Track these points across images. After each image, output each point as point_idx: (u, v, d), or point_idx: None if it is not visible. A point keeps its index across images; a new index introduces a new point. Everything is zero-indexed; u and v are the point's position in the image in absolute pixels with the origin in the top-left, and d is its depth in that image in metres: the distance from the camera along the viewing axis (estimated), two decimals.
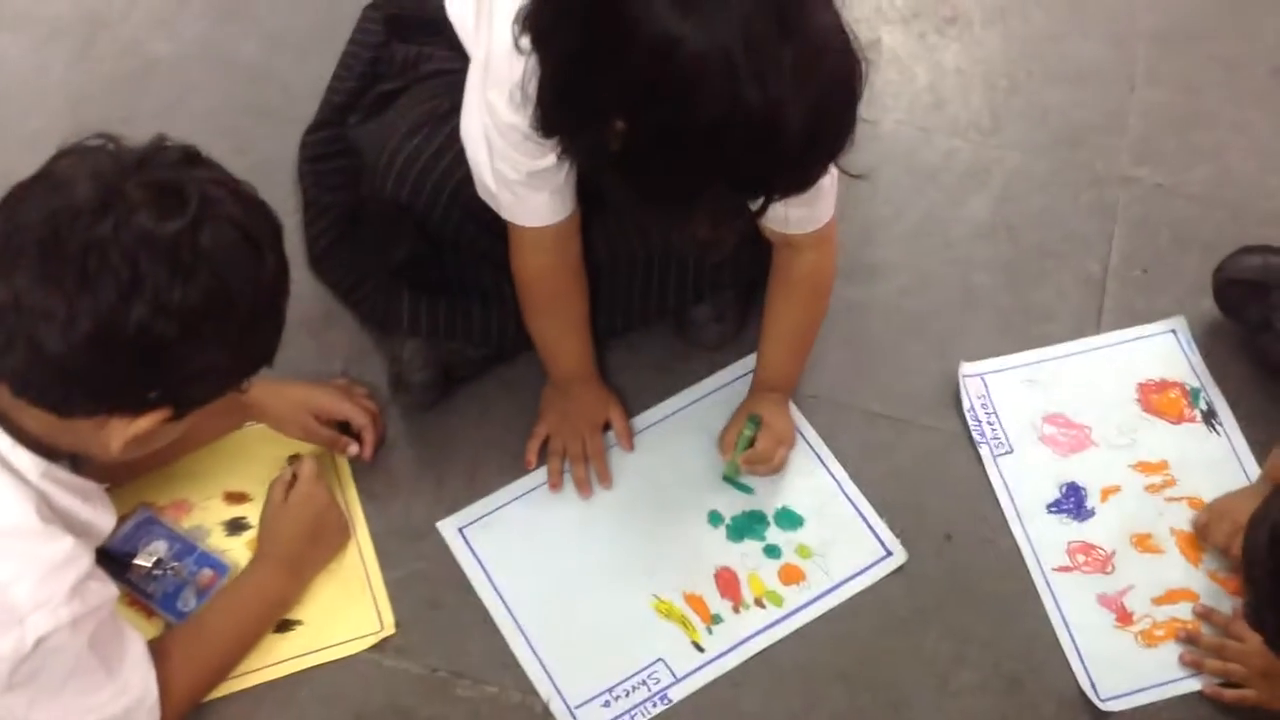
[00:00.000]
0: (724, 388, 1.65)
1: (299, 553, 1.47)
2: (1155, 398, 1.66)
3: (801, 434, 1.61)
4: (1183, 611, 1.53)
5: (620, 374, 1.65)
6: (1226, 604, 1.52)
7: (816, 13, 1.08)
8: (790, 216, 1.41)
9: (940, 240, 1.78)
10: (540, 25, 1.16)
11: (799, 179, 1.17)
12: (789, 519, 1.57)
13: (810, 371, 1.65)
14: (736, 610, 1.51)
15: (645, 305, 1.63)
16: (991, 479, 1.60)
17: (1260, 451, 1.61)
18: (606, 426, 1.60)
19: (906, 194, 1.82)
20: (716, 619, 1.51)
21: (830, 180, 1.37)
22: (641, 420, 1.63)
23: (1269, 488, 1.51)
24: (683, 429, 1.62)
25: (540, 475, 1.58)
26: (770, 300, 1.55)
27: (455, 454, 1.59)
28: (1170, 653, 1.50)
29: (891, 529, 1.57)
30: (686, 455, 1.60)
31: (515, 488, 1.57)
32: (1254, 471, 1.60)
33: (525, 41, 1.18)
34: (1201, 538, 1.56)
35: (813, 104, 1.07)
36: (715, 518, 1.57)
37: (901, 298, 1.73)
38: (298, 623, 1.47)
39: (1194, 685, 1.48)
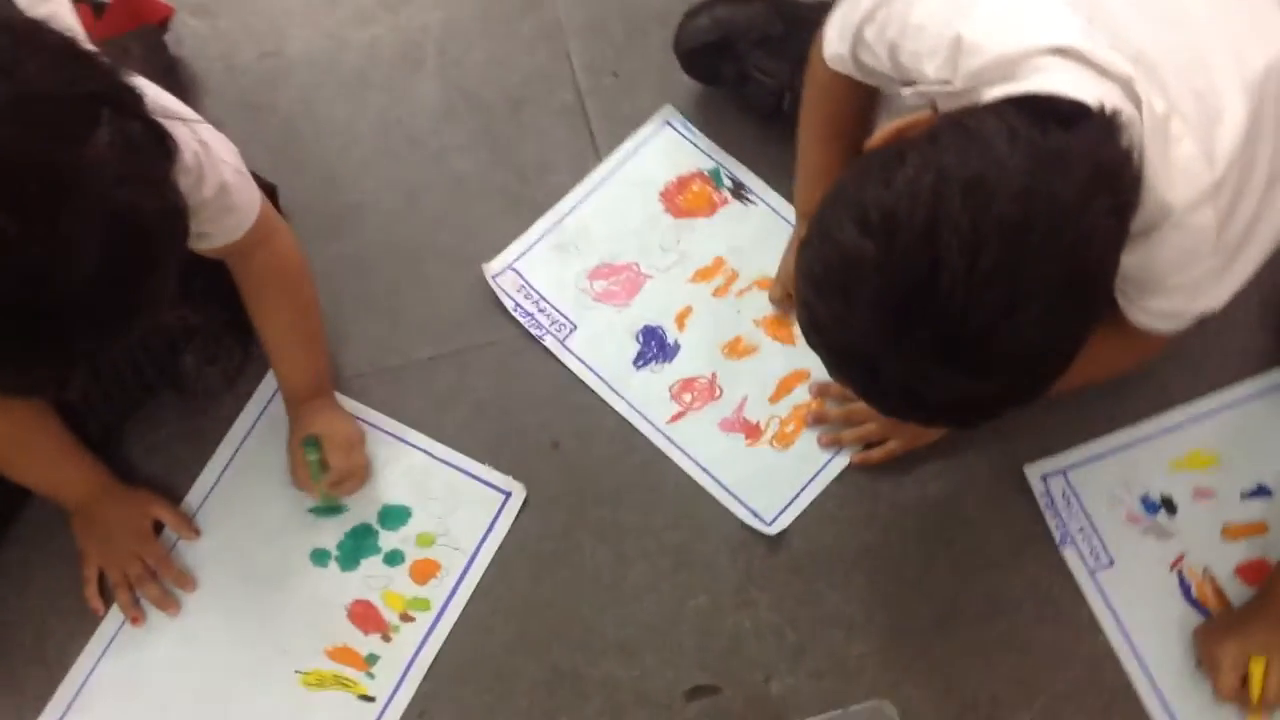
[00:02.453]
0: (261, 417, 1.45)
1: None
2: (680, 199, 1.56)
3: (367, 422, 1.45)
4: (802, 396, 1.48)
5: (148, 462, 1.43)
6: None
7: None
8: (211, 232, 1.21)
9: (405, 144, 1.59)
10: None
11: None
12: (394, 516, 1.42)
13: (341, 353, 1.48)
14: (388, 639, 1.37)
15: (125, 392, 1.39)
16: (568, 364, 1.48)
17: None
18: (160, 528, 1.40)
19: (346, 112, 1.61)
20: (372, 659, 1.36)
21: (234, 175, 1.18)
22: (194, 498, 1.42)
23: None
24: (241, 483, 1.43)
25: (118, 616, 1.37)
26: (251, 313, 1.36)
27: (8, 646, 1.35)
28: (809, 443, 1.45)
29: (499, 468, 1.44)
30: (259, 508, 1.42)
31: (96, 645, 1.36)
32: None
33: None
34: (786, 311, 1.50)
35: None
36: (321, 556, 1.41)
37: (396, 225, 1.55)
38: None
39: (843, 462, 1.45)
